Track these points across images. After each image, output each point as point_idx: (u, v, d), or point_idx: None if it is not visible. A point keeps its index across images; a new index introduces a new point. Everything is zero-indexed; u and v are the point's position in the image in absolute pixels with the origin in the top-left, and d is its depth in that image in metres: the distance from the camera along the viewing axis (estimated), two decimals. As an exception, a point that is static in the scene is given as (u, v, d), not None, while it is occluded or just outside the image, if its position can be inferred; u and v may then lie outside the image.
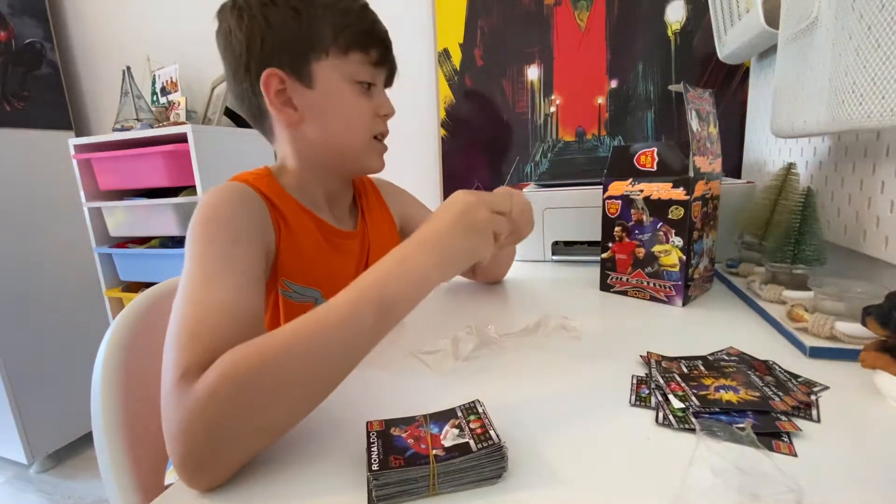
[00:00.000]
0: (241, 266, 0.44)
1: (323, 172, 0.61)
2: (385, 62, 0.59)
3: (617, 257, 0.69)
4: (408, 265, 0.39)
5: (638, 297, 0.67)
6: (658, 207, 0.62)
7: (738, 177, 1.12)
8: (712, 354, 0.46)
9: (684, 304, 0.63)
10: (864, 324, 0.38)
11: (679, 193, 0.60)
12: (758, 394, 0.38)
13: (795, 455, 0.31)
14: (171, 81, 1.58)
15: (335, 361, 0.35)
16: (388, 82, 0.63)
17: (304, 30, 0.52)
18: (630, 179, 0.65)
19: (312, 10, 0.52)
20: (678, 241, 0.61)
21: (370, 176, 0.76)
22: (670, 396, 0.38)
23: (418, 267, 0.39)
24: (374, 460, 0.30)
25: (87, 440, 1.82)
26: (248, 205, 0.51)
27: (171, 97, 1.58)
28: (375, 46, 0.56)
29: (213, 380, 0.32)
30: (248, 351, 0.33)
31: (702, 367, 0.43)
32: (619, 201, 0.66)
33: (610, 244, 0.69)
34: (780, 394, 0.38)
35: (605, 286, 0.71)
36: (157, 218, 1.44)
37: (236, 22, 0.53)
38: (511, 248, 0.81)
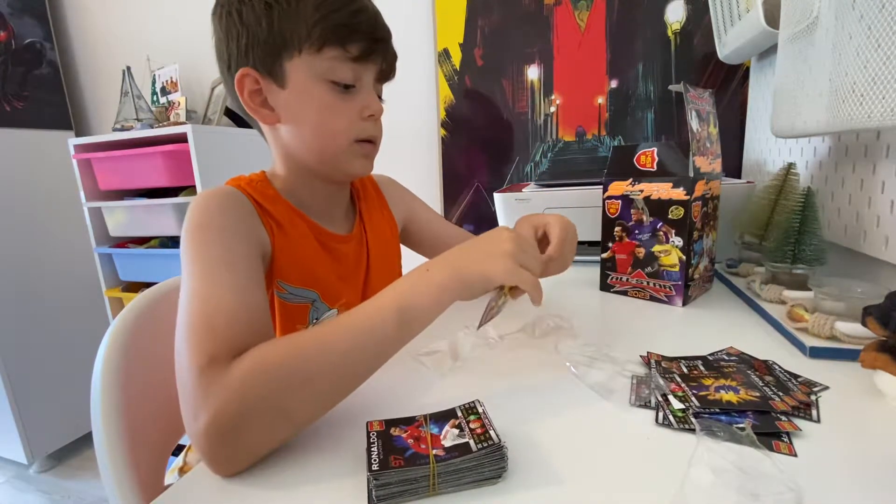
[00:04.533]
0: (240, 263, 0.44)
1: (308, 174, 0.58)
2: (371, 57, 0.53)
3: (617, 257, 0.69)
4: (427, 280, 0.40)
5: (638, 297, 0.67)
6: (658, 207, 0.62)
7: (738, 177, 1.11)
8: (712, 354, 0.46)
9: (684, 304, 0.63)
10: (864, 324, 0.38)
11: (679, 193, 0.60)
12: (758, 394, 0.38)
13: (795, 455, 0.31)
14: (171, 81, 1.58)
15: (359, 363, 0.38)
16: (383, 77, 0.57)
17: (277, 26, 0.50)
18: (630, 179, 0.65)
19: (286, 4, 0.49)
20: (678, 241, 0.61)
21: (373, 175, 0.75)
22: (670, 397, 0.38)
23: (435, 283, 0.40)
24: (374, 460, 0.30)
25: (87, 440, 1.82)
26: (235, 207, 0.51)
27: (171, 97, 1.58)
28: (356, 40, 0.51)
29: (247, 369, 0.34)
30: (280, 346, 0.36)
31: (702, 368, 0.43)
32: (619, 201, 0.66)
33: (610, 244, 0.69)
34: (780, 394, 0.38)
35: (605, 286, 0.71)
36: (157, 218, 1.44)
37: (217, 21, 0.53)
38: None
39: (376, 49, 0.53)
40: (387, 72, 0.57)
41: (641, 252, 0.65)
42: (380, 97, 0.59)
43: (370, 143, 0.58)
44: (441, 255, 0.43)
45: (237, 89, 0.53)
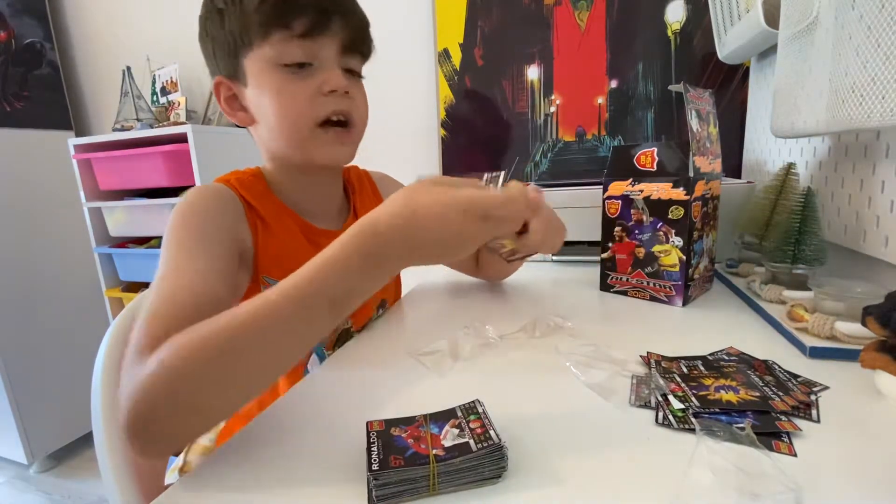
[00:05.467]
0: (206, 257, 0.45)
1: (290, 169, 0.58)
2: (324, 31, 0.50)
3: (617, 257, 0.69)
4: (370, 263, 0.36)
5: (638, 297, 0.67)
6: (658, 207, 0.62)
7: (738, 177, 1.12)
8: (712, 354, 0.46)
9: (684, 304, 0.63)
10: (864, 324, 0.38)
11: (679, 193, 0.60)
12: (758, 394, 0.38)
13: (795, 455, 0.31)
14: (171, 81, 1.58)
15: (280, 351, 0.35)
16: (350, 49, 0.53)
17: (229, 27, 0.51)
18: (630, 179, 0.65)
19: (232, 3, 0.50)
20: (678, 241, 0.61)
21: (369, 170, 0.75)
22: (670, 397, 0.38)
23: (383, 270, 0.36)
24: (374, 460, 0.30)
25: (87, 440, 1.82)
26: (220, 204, 0.52)
27: (171, 97, 1.58)
28: (300, 16, 0.48)
29: (159, 357, 0.33)
30: (196, 331, 0.34)
31: (702, 368, 0.43)
32: (619, 201, 0.66)
33: (610, 244, 0.69)
34: (780, 394, 0.38)
35: (605, 286, 0.71)
36: (157, 218, 1.44)
37: (199, 43, 0.57)
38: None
39: (328, 21, 0.50)
40: (354, 42, 0.53)
41: (641, 252, 0.65)
42: (356, 73, 0.56)
43: (341, 126, 0.54)
44: (385, 230, 0.35)
45: (215, 97, 0.56)
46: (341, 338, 0.63)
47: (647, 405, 0.38)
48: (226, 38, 0.52)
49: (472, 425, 0.33)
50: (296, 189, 0.60)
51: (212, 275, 0.44)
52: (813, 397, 0.38)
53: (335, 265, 0.35)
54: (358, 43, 0.54)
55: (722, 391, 0.38)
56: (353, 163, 0.72)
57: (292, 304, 0.34)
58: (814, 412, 0.36)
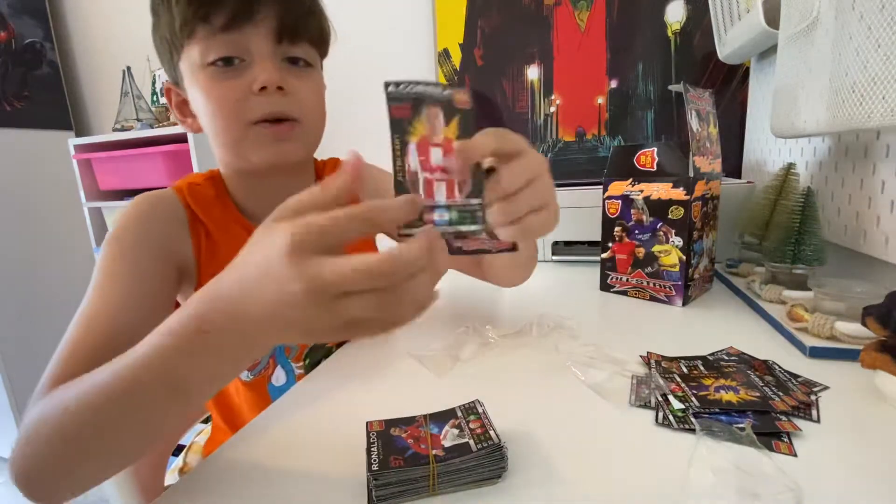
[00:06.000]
0: (128, 282, 0.44)
1: (241, 173, 0.54)
2: (249, 21, 0.45)
3: (617, 257, 0.69)
4: (209, 349, 0.27)
5: (638, 297, 0.67)
6: (658, 207, 0.62)
7: (738, 177, 1.11)
8: (712, 354, 0.46)
9: (684, 304, 0.63)
10: (864, 324, 0.38)
11: (679, 193, 0.60)
12: (758, 394, 0.38)
13: (795, 455, 0.31)
14: (171, 81, 1.58)
15: (123, 432, 0.31)
16: (286, 37, 0.47)
17: (162, 32, 0.48)
18: (630, 179, 0.65)
19: (162, 6, 0.47)
20: (678, 241, 0.61)
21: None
22: (670, 397, 0.38)
23: (223, 357, 0.28)
24: (374, 460, 0.30)
25: (87, 440, 1.82)
26: (150, 221, 0.50)
27: (171, 97, 1.58)
28: (220, 9, 0.44)
29: (40, 408, 0.32)
30: (70, 390, 0.32)
31: (702, 368, 0.43)
32: (619, 201, 0.66)
33: (610, 244, 0.69)
34: (780, 394, 0.38)
35: (605, 286, 0.71)
36: (157, 218, 1.44)
37: None
38: (523, 257, 0.62)
39: (251, 9, 0.45)
40: (290, 28, 0.47)
41: (641, 252, 0.65)
42: (305, 62, 0.50)
43: (284, 122, 0.48)
44: (213, 297, 0.28)
45: (168, 105, 0.55)
46: (313, 350, 0.59)
47: (647, 405, 0.38)
48: (161, 42, 0.49)
49: (471, 425, 0.33)
50: (250, 195, 0.55)
51: (129, 304, 0.43)
52: (813, 397, 0.38)
53: (175, 348, 0.28)
54: (296, 28, 0.47)
55: (722, 391, 0.38)
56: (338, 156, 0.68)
57: (132, 396, 0.29)
58: (814, 412, 0.36)
